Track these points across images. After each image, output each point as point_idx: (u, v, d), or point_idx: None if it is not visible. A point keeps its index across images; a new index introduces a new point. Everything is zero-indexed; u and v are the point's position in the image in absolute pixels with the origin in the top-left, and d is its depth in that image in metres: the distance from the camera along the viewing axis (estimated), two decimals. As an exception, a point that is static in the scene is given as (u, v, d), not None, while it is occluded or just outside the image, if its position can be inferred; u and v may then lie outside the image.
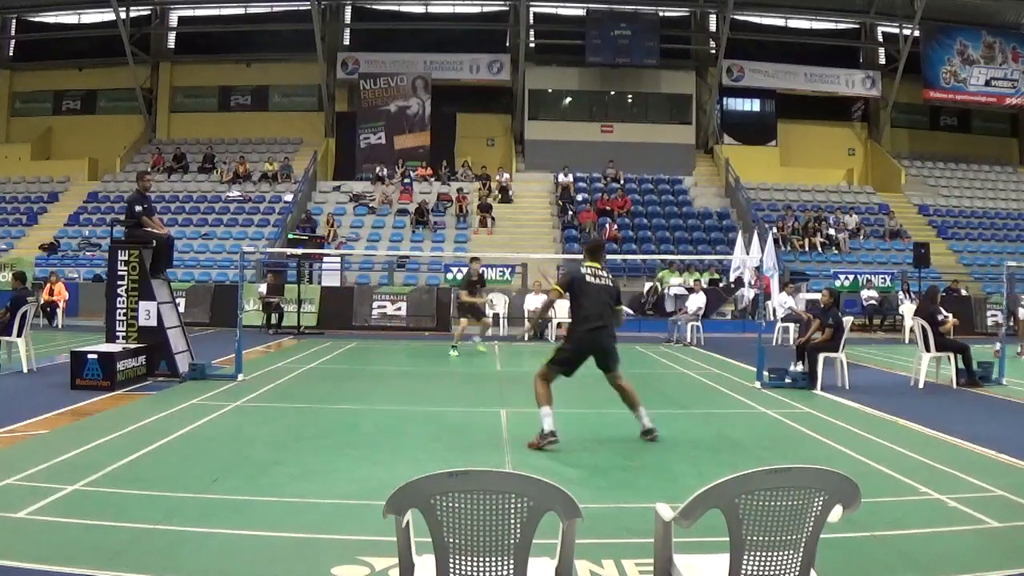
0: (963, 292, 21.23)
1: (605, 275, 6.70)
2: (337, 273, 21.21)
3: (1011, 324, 14.03)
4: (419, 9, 30.01)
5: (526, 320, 5.45)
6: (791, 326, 16.08)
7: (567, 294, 6.58)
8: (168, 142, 29.47)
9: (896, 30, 29.30)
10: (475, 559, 2.41)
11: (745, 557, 2.50)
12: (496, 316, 19.33)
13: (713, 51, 29.33)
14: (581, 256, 7.07)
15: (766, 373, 10.25)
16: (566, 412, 7.83)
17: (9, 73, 30.64)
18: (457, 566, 2.42)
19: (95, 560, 3.78)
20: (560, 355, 6.64)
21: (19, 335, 10.44)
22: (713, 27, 29.61)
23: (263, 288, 18.29)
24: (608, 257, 24.42)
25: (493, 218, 24.92)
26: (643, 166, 27.92)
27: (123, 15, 27.58)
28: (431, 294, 19.53)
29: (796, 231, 24.85)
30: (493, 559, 2.41)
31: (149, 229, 10.44)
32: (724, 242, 23.88)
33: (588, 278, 6.52)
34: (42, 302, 17.27)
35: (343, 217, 25.17)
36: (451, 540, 2.40)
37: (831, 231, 25.00)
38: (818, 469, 2.55)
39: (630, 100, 29.96)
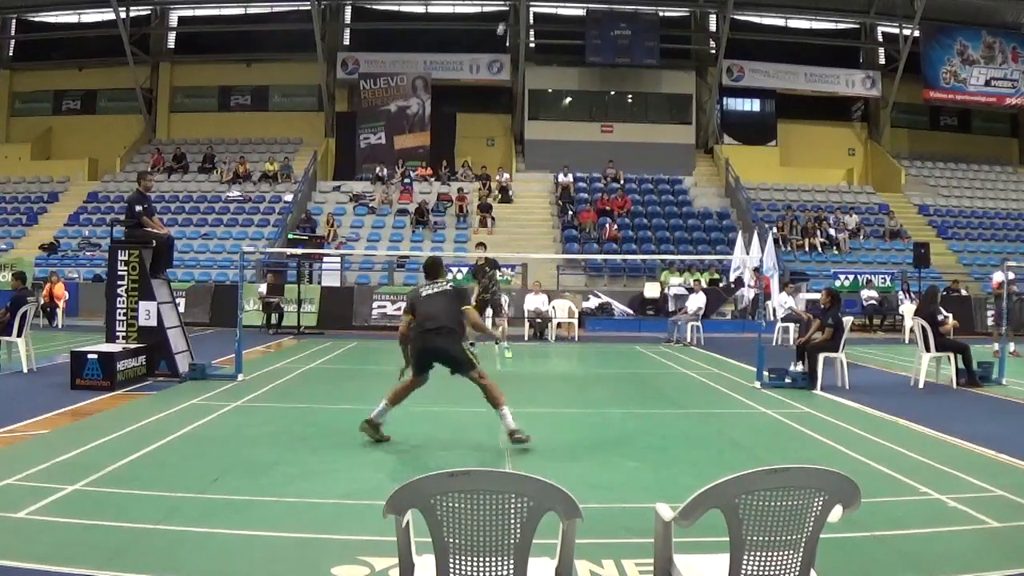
0: (963, 292, 21.23)
1: (442, 283, 6.87)
2: (337, 273, 21.20)
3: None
4: (419, 9, 30.01)
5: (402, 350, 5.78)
6: (791, 326, 16.08)
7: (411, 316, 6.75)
8: (168, 142, 29.47)
9: (896, 30, 29.29)
10: (475, 559, 2.41)
11: (745, 557, 2.50)
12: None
13: (713, 51, 29.32)
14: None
15: (766, 373, 10.25)
16: (567, 412, 7.86)
17: (9, 73, 30.64)
18: (457, 566, 2.42)
19: (95, 560, 3.78)
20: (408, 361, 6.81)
21: (19, 335, 10.43)
22: (713, 27, 29.60)
23: (263, 288, 18.29)
24: (608, 257, 24.26)
25: (493, 218, 24.92)
26: (643, 166, 27.92)
27: (123, 15, 27.58)
28: (431, 294, 19.50)
29: (796, 231, 24.85)
30: (493, 559, 2.42)
31: (149, 229, 10.45)
32: (724, 242, 23.88)
33: (423, 292, 6.73)
34: (42, 302, 17.27)
35: (343, 217, 25.17)
36: (451, 540, 2.40)
37: (831, 231, 25.01)
38: (818, 469, 2.55)
39: (630, 100, 29.96)
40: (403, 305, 7.24)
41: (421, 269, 7.48)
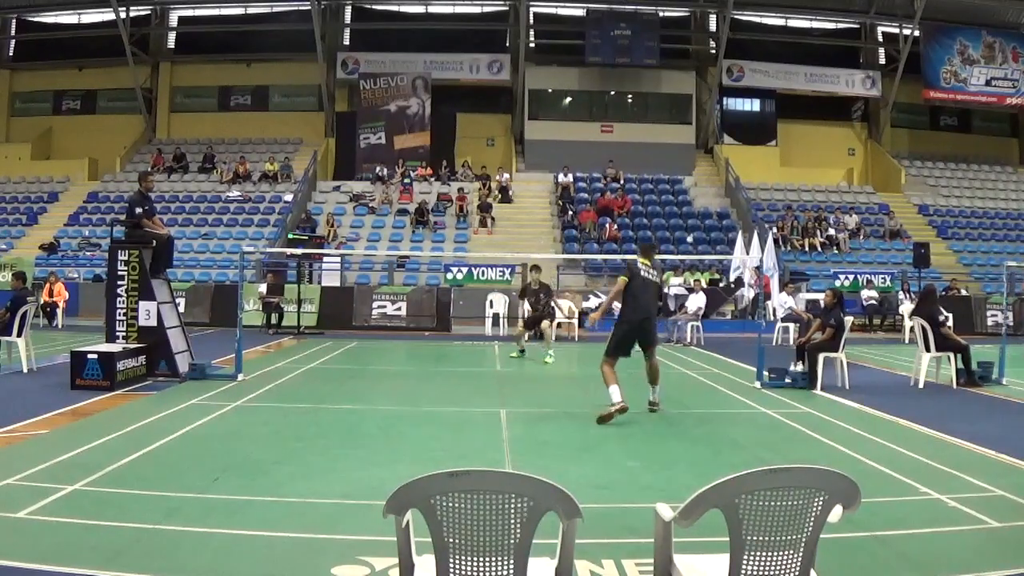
0: (963, 292, 21.23)
1: (655, 272, 8.07)
2: (337, 273, 21.20)
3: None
4: (419, 9, 30.00)
5: (592, 312, 8.36)
6: (791, 326, 16.08)
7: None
8: (168, 142, 29.47)
9: (896, 30, 29.30)
10: (475, 559, 2.41)
11: (745, 557, 2.50)
12: (496, 316, 19.36)
13: (713, 51, 29.32)
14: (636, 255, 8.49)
15: (766, 373, 10.25)
16: (567, 412, 7.86)
17: (9, 73, 30.65)
18: (457, 566, 2.42)
19: (95, 560, 3.78)
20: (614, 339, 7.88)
21: (19, 335, 10.43)
22: (713, 27, 29.61)
23: (263, 288, 18.30)
24: (608, 257, 24.22)
25: (493, 218, 24.91)
26: (643, 166, 27.92)
27: (123, 15, 27.58)
28: (431, 294, 19.52)
29: (796, 231, 24.85)
30: (493, 559, 2.41)
31: (149, 229, 10.45)
32: (724, 242, 23.88)
33: (643, 273, 7.83)
34: (42, 302, 17.27)
35: (343, 217, 25.18)
36: (451, 540, 2.40)
37: (831, 231, 25.01)
38: (818, 469, 2.55)
39: (630, 100, 29.95)
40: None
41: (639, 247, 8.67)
